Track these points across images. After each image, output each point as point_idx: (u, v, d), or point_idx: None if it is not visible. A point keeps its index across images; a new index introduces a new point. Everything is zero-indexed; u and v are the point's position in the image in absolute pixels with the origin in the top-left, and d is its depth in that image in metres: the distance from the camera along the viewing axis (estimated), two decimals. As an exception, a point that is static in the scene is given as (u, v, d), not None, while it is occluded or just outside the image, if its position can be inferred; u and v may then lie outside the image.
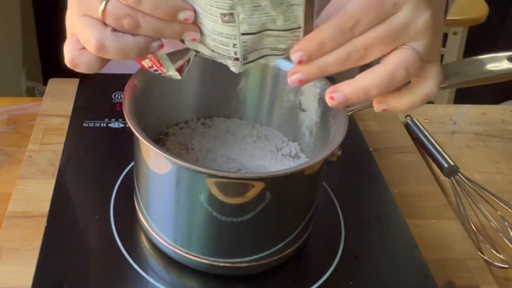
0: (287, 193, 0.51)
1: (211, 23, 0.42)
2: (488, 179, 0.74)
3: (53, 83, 0.79)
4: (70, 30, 0.46)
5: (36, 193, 0.61)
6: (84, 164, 0.66)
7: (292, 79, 0.42)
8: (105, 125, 0.71)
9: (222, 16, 0.40)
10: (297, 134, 0.61)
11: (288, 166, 0.59)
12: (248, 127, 0.63)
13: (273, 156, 0.61)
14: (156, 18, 0.42)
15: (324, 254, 0.58)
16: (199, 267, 0.54)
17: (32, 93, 2.14)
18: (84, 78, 0.78)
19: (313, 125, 0.58)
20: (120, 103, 0.70)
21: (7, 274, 0.53)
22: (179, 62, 0.48)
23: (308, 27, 0.42)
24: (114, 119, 0.72)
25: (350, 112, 0.56)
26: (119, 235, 0.57)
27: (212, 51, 0.45)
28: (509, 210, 0.67)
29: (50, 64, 2.04)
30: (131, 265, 0.54)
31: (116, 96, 0.76)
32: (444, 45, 1.83)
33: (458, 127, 0.84)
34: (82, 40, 0.44)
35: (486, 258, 0.62)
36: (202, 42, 0.45)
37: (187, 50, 0.48)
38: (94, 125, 0.71)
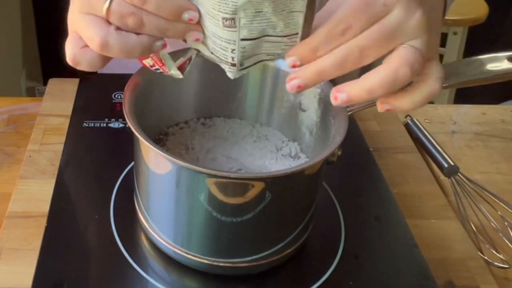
0: (287, 193, 0.51)
1: (213, 26, 0.42)
2: (488, 179, 0.74)
3: (53, 83, 0.79)
4: (72, 28, 0.46)
5: (36, 193, 0.61)
6: (84, 164, 0.66)
7: (290, 85, 0.42)
8: (105, 125, 0.71)
9: (224, 20, 0.40)
10: (297, 134, 0.61)
11: (288, 166, 0.59)
12: (248, 127, 0.63)
13: (273, 156, 0.61)
14: (160, 18, 0.42)
15: (324, 254, 0.58)
16: (199, 267, 0.54)
17: (32, 93, 2.14)
18: (84, 78, 0.78)
19: (313, 125, 0.58)
20: (120, 103, 0.70)
21: (7, 274, 0.53)
22: (181, 61, 0.48)
23: (305, 33, 0.42)
24: (114, 119, 0.72)
25: (350, 112, 0.56)
26: (119, 235, 0.57)
27: (211, 53, 0.45)
28: (509, 210, 0.67)
29: (50, 64, 2.05)
30: (131, 265, 0.54)
31: (116, 96, 0.76)
32: (444, 45, 1.83)
33: (458, 127, 0.84)
34: (85, 38, 0.43)
35: (486, 258, 0.62)
36: (203, 42, 0.45)
37: (189, 49, 0.48)
38: (94, 125, 0.71)
